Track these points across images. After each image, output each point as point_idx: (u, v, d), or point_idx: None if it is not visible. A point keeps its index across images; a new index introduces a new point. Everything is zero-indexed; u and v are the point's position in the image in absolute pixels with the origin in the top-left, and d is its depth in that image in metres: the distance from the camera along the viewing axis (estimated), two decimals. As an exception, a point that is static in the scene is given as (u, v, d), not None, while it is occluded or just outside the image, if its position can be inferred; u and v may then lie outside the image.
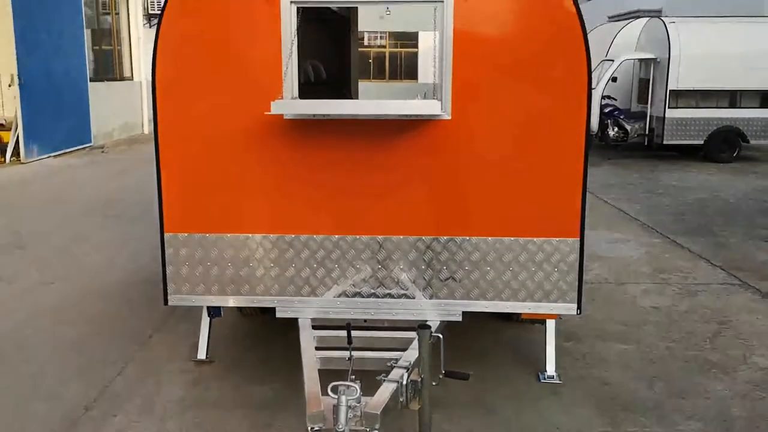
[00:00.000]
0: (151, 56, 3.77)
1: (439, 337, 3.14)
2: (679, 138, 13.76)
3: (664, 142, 13.73)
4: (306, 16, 3.91)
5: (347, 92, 6.84)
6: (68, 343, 4.76)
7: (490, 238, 3.82)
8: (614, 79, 14.43)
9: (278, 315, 3.98)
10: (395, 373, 3.16)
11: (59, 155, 13.70)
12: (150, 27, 19.19)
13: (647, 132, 14.26)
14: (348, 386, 2.88)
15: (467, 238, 3.83)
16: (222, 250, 3.91)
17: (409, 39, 37.05)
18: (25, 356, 4.57)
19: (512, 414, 3.87)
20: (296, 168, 3.81)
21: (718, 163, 13.61)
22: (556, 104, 3.69)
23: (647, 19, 15.83)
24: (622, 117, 14.59)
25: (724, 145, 13.81)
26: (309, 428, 2.91)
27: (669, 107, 13.60)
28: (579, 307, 3.89)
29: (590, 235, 7.63)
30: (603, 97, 14.50)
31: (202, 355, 4.41)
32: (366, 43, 37.11)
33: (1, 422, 3.74)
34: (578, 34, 3.60)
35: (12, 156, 12.68)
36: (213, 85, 3.76)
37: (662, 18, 14.37)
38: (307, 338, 3.71)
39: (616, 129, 14.66)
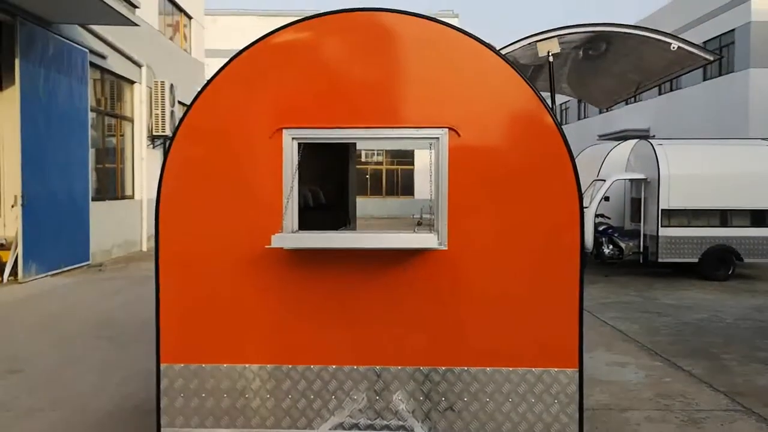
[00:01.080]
0: (158, 179, 3.88)
1: None
2: (673, 256, 13.89)
3: (659, 260, 13.85)
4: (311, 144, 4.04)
5: (344, 215, 6.97)
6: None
7: (488, 369, 3.81)
8: (607, 198, 14.73)
9: (272, 447, 3.90)
10: None
11: (56, 274, 13.72)
12: (153, 148, 19.71)
13: (641, 250, 14.41)
14: None
15: (465, 368, 3.81)
16: (218, 381, 3.88)
17: (405, 156, 37.99)
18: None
19: None
20: (294, 298, 3.84)
21: (713, 281, 13.68)
22: (549, 231, 3.77)
23: (636, 140, 16.34)
24: (616, 235, 14.79)
25: (719, 264, 13.92)
26: None
27: (662, 226, 13.82)
28: (580, 443, 3.82)
29: (589, 358, 7.59)
30: (597, 216, 14.75)
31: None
32: (363, 159, 38.01)
33: None
34: (567, 162, 3.74)
35: (9, 275, 12.70)
36: (214, 213, 3.85)
37: (649, 140, 14.82)
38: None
39: (611, 247, 14.82)
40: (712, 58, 7.06)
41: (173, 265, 3.88)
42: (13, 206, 12.84)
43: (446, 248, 3.79)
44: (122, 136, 18.44)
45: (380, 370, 3.83)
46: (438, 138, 3.79)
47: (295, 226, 3.86)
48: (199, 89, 3.87)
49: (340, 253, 3.82)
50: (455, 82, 3.80)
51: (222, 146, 3.86)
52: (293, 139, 3.83)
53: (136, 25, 14.16)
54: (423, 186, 36.10)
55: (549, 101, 6.82)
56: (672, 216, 13.84)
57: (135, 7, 17.22)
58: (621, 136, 29.61)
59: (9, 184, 12.78)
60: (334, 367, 3.84)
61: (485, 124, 3.79)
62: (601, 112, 37.51)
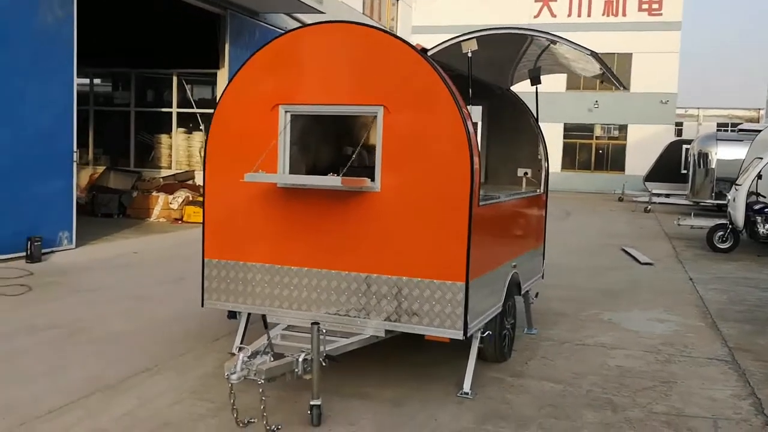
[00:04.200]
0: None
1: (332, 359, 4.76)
2: (832, 236, 13.42)
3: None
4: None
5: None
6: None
7: (404, 278, 5.32)
8: (760, 177, 14.49)
9: (268, 320, 5.77)
10: (295, 354, 4.81)
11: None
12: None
13: (800, 230, 14.05)
14: (244, 348, 4.59)
15: (390, 276, 5.36)
16: (236, 272, 5.82)
17: (619, 130, 37.41)
18: (131, 339, 6.77)
19: (417, 410, 5.23)
20: (285, 220, 5.65)
21: None
22: (448, 180, 5.17)
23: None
24: (772, 214, 14.50)
25: None
26: (225, 373, 4.63)
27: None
28: (465, 333, 5.22)
29: (638, 313, 8.48)
30: (750, 194, 14.59)
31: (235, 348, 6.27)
32: (570, 133, 37.90)
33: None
34: (460, 124, 5.10)
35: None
36: (237, 158, 5.70)
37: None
38: (274, 332, 5.46)
39: (766, 226, 14.56)
40: (621, 88, 7.64)
41: (213, 194, 5.87)
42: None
43: (380, 190, 5.36)
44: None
45: (338, 274, 5.51)
46: (377, 112, 5.34)
47: (287, 170, 5.64)
48: (232, 74, 5.80)
49: (317, 192, 5.52)
50: (389, 71, 5.31)
51: (242, 114, 5.75)
52: (286, 111, 5.61)
53: (322, 12, 16.55)
54: (635, 162, 35.48)
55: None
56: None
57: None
58: None
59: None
60: (306, 268, 5.60)
61: (406, 102, 5.27)
62: None
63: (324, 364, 4.84)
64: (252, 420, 4.77)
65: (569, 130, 37.89)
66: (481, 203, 5.43)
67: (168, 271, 10.50)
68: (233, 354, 5.64)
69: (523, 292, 7.00)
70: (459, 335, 5.24)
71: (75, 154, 11.37)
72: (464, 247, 5.17)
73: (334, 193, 5.48)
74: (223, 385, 5.02)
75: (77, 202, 11.81)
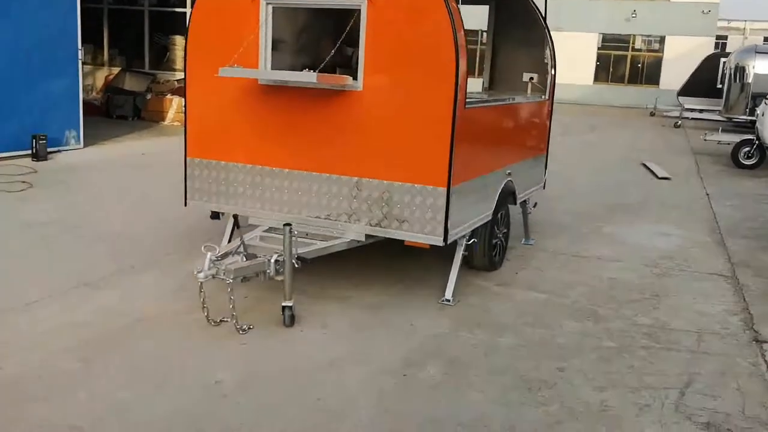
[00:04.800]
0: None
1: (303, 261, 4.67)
2: None
3: None
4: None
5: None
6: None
7: (386, 181, 5.16)
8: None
9: (250, 222, 5.69)
10: (267, 255, 4.73)
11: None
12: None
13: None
14: (212, 247, 4.52)
15: (372, 179, 5.20)
16: (218, 172, 5.70)
17: (656, 42, 36.06)
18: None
19: (394, 315, 5.18)
20: (263, 120, 5.47)
21: None
22: (433, 86, 4.92)
23: None
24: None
25: None
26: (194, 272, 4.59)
27: None
28: (445, 240, 5.08)
29: (646, 228, 8.28)
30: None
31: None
32: (603, 43, 36.67)
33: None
34: (448, 30, 4.81)
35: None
36: (218, 54, 5.49)
37: None
38: (252, 234, 5.39)
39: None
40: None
41: (194, 91, 5.69)
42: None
43: (362, 89, 5.13)
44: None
45: (319, 176, 5.36)
46: (360, 5, 5.05)
47: (268, 66, 5.42)
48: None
49: (299, 91, 5.31)
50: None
51: (222, 7, 5.49)
52: (267, 3, 5.34)
53: None
54: (671, 76, 34.29)
55: None
56: None
57: None
58: None
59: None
60: (287, 170, 5.46)
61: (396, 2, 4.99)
62: None
63: (297, 265, 4.76)
64: (225, 319, 4.76)
65: (605, 41, 36.53)
66: (468, 106, 5.19)
67: (173, 173, 10.41)
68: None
69: (519, 202, 6.80)
70: (439, 242, 5.11)
71: (80, 51, 11.18)
72: (447, 151, 4.97)
73: (316, 92, 5.27)
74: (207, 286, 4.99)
75: (93, 104, 11.75)
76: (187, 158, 5.84)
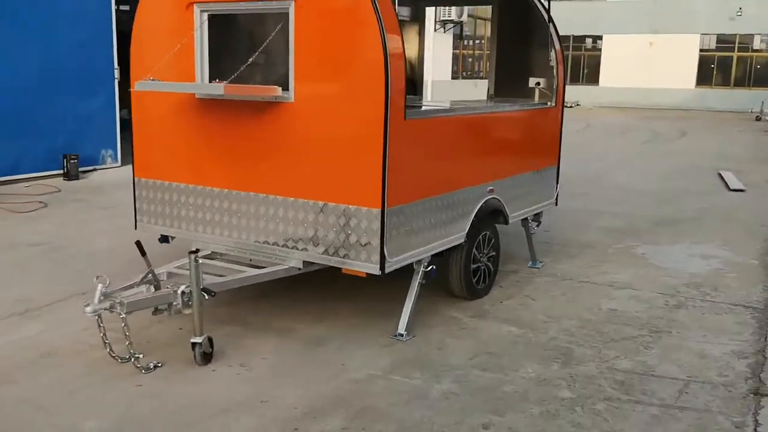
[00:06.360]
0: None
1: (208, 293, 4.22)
2: None
3: None
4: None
5: (412, 88, 7.61)
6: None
7: (320, 202, 4.62)
8: None
9: (194, 246, 5.28)
10: (173, 286, 4.29)
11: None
12: (445, 32, 21.12)
13: None
14: (105, 278, 4.11)
15: (307, 200, 4.68)
16: (162, 192, 5.34)
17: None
18: (97, 260, 6.55)
19: (333, 352, 4.62)
20: (200, 138, 5.07)
21: None
22: (364, 96, 4.35)
23: None
24: None
25: None
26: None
27: None
28: (382, 269, 4.48)
29: (686, 247, 7.36)
30: None
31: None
32: (706, 46, 34.45)
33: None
34: (376, 34, 4.23)
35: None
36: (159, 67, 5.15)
37: None
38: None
39: None
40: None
41: (138, 106, 5.35)
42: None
43: (293, 101, 4.61)
44: (412, 20, 20.15)
45: (247, 195, 4.88)
46: (288, 8, 4.54)
47: (205, 78, 5.00)
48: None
49: (234, 105, 4.86)
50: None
51: (161, 15, 5.13)
52: (201, 11, 4.92)
53: None
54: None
55: None
56: None
57: None
58: None
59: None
60: (226, 190, 5.01)
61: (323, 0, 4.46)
62: None
63: (206, 297, 4.30)
64: (138, 355, 4.35)
65: (706, 42, 34.25)
66: (412, 117, 4.59)
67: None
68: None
69: (512, 221, 6.06)
70: (375, 269, 4.51)
71: (116, 71, 11.25)
72: (379, 167, 4.37)
73: (253, 106, 4.81)
74: (138, 316, 4.61)
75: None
76: (135, 178, 5.52)
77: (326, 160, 4.58)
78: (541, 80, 6.61)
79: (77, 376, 4.20)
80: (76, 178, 10.47)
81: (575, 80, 36.51)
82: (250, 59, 4.63)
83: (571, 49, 36.35)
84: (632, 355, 4.65)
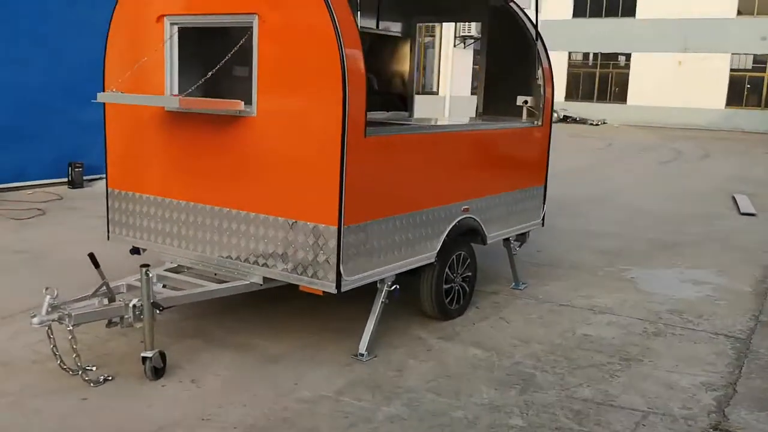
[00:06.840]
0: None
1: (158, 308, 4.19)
2: None
3: None
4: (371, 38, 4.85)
5: (399, 101, 7.54)
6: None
7: (280, 218, 4.57)
8: None
9: (161, 258, 5.27)
10: (125, 299, 4.26)
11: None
12: (465, 48, 21.05)
13: None
14: (50, 288, 4.09)
15: (268, 216, 4.63)
16: (134, 204, 5.34)
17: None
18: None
19: (287, 370, 4.55)
20: (170, 148, 5.06)
21: None
22: (323, 110, 4.30)
23: None
24: None
25: None
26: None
27: None
28: (338, 287, 4.40)
29: (680, 272, 7.17)
30: None
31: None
32: (735, 66, 33.82)
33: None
34: (335, 54, 4.18)
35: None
36: (128, 81, 5.14)
37: None
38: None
39: None
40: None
41: (111, 117, 5.39)
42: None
43: (256, 115, 4.58)
44: (431, 36, 20.14)
45: (219, 210, 4.85)
46: (251, 22, 4.51)
47: (174, 89, 4.99)
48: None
49: (199, 118, 4.84)
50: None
51: (133, 27, 5.16)
52: (171, 24, 4.93)
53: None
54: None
55: None
56: None
57: None
58: None
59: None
60: (192, 203, 4.98)
61: (280, 6, 4.41)
62: None
63: (158, 311, 4.27)
64: (91, 368, 4.33)
65: (737, 62, 33.68)
66: (374, 134, 4.52)
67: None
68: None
69: (492, 241, 5.95)
70: (331, 288, 4.43)
71: (124, 81, 11.33)
72: (336, 184, 4.31)
73: (218, 119, 4.78)
74: (100, 328, 4.61)
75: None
76: (108, 189, 5.52)
77: (287, 175, 4.53)
78: (529, 98, 6.50)
79: (24, 387, 4.18)
80: (81, 186, 10.58)
81: (602, 98, 36.17)
82: (209, 73, 4.61)
83: (599, 66, 36.03)
84: (595, 384, 4.50)
